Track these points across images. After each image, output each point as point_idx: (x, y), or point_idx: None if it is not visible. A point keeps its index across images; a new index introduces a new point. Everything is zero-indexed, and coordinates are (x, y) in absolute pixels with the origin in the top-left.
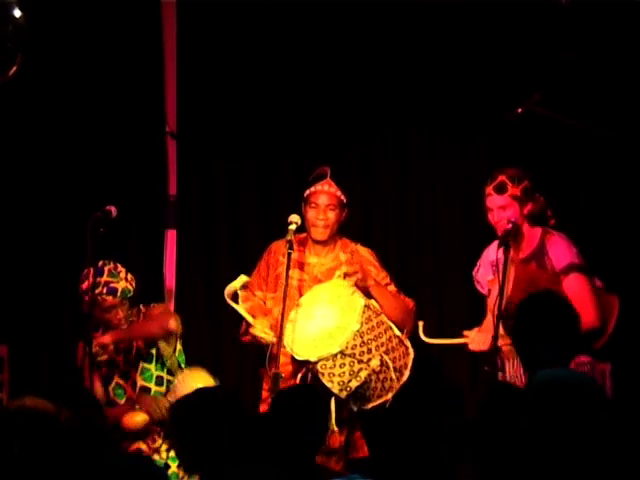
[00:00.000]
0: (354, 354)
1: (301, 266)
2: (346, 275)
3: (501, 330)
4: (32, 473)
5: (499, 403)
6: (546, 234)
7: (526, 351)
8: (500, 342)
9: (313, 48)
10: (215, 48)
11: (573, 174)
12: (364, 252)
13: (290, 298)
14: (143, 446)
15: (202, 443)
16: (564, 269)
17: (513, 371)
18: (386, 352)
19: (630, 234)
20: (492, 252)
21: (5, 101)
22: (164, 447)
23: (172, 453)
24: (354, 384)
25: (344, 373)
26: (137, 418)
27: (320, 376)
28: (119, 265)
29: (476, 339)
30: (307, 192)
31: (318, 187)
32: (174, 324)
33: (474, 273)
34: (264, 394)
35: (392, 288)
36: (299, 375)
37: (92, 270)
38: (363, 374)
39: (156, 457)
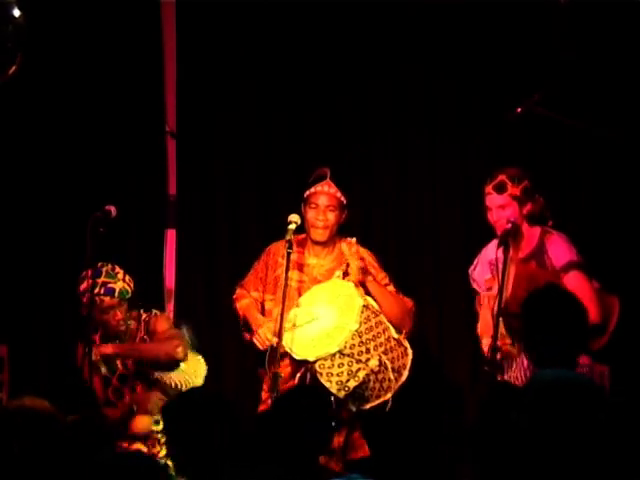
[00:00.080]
0: (352, 354)
1: (300, 267)
2: (347, 268)
3: (501, 329)
4: (32, 473)
5: (499, 403)
6: (545, 233)
7: (535, 346)
8: (500, 342)
9: (313, 48)
10: (215, 48)
11: (573, 174)
12: (363, 252)
13: (289, 299)
14: (143, 447)
15: (193, 443)
16: (564, 267)
17: (512, 371)
18: (385, 352)
19: (630, 234)
20: (490, 251)
21: (5, 101)
22: (163, 452)
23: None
24: (352, 384)
25: (342, 373)
26: (145, 421)
27: (318, 376)
28: (117, 266)
29: (482, 342)
30: (307, 193)
31: (318, 188)
32: (182, 354)
33: (470, 271)
34: (264, 395)
35: (391, 288)
36: (298, 375)
37: (90, 271)
38: (361, 374)
39: None
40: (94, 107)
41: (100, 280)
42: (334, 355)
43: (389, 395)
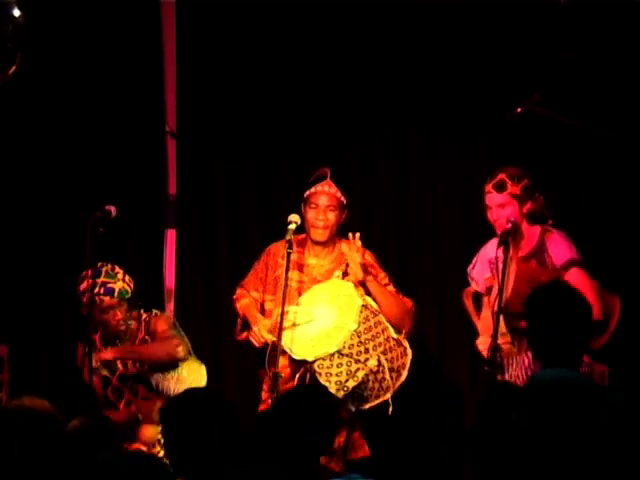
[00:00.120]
0: (351, 354)
1: (300, 267)
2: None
3: (502, 328)
4: (32, 473)
5: (499, 403)
6: (545, 232)
7: (540, 343)
8: (500, 340)
9: (313, 48)
10: (215, 48)
11: (573, 174)
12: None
13: (289, 299)
14: (143, 447)
15: (192, 443)
16: (564, 265)
17: (513, 371)
18: (384, 352)
19: (630, 234)
20: (490, 250)
21: (5, 101)
22: (162, 452)
23: None
24: (351, 384)
25: (341, 373)
26: (151, 431)
27: (317, 376)
28: (117, 267)
29: (481, 339)
30: (307, 193)
31: (318, 188)
32: (182, 353)
33: (469, 270)
34: (264, 395)
35: (391, 288)
36: (297, 375)
37: (90, 271)
38: (360, 374)
39: None
40: (94, 107)
41: (100, 280)
42: (333, 355)
43: (388, 395)
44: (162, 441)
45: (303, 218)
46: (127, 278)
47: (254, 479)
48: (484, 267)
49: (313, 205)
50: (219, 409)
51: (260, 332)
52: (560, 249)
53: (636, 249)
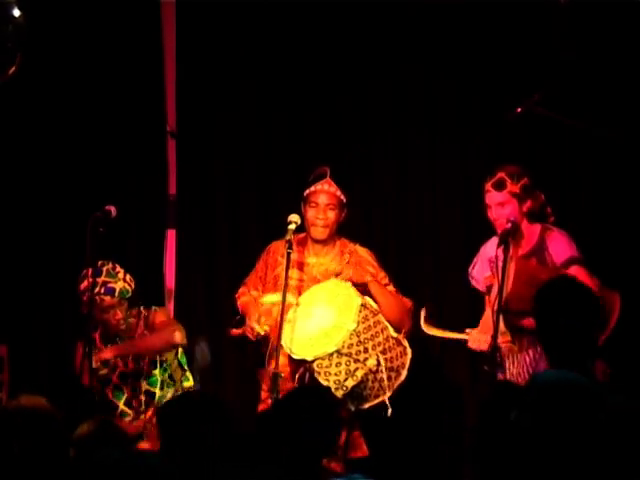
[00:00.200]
0: (350, 353)
1: (300, 266)
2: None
3: (501, 327)
4: (32, 473)
5: (500, 402)
6: (546, 230)
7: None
8: (500, 339)
9: (313, 48)
10: (214, 48)
11: (573, 174)
12: (363, 252)
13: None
14: (147, 446)
15: (189, 445)
16: (564, 263)
17: (514, 369)
18: (383, 352)
19: (630, 234)
20: (490, 249)
21: (5, 101)
22: None
23: None
24: (350, 383)
25: (340, 372)
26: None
27: (316, 375)
28: (117, 265)
29: (477, 338)
30: (307, 191)
31: (318, 186)
32: (179, 337)
33: (470, 269)
34: (263, 394)
35: (391, 288)
36: (297, 375)
37: (90, 270)
38: (359, 373)
39: None
40: (94, 107)
41: (100, 279)
42: (332, 355)
43: (388, 394)
44: None
45: (303, 217)
46: (128, 277)
47: (254, 479)
48: (484, 266)
49: (313, 204)
50: (215, 411)
51: (251, 324)
52: (560, 247)
53: (636, 248)
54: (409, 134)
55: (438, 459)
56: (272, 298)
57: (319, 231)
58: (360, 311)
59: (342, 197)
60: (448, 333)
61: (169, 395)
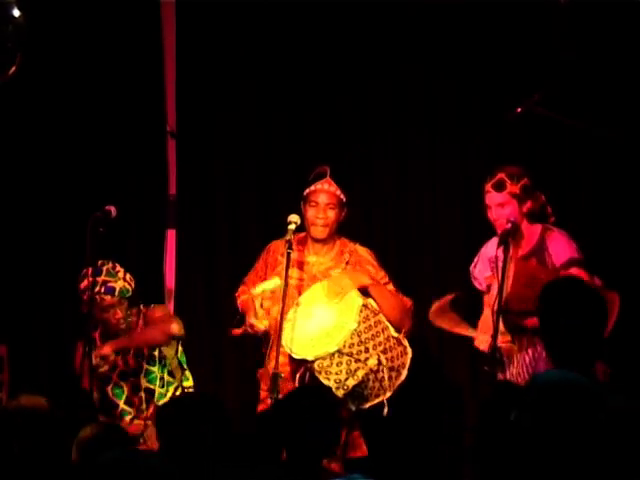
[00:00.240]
0: (351, 353)
1: (300, 265)
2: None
3: (501, 327)
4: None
5: (500, 402)
6: (546, 231)
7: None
8: (500, 339)
9: (313, 48)
10: (214, 48)
11: (573, 174)
12: (363, 252)
13: (289, 297)
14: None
15: (187, 445)
16: (564, 264)
17: (513, 369)
18: (384, 351)
19: (630, 234)
20: (491, 248)
21: (5, 101)
22: None
23: None
24: (351, 383)
25: (341, 372)
26: None
27: (317, 375)
28: (118, 265)
29: (479, 338)
30: (307, 191)
31: (318, 186)
32: (177, 328)
33: (471, 269)
34: (262, 394)
35: (391, 287)
36: (297, 375)
37: (90, 269)
38: (360, 373)
39: None
40: (94, 107)
41: (100, 279)
42: (333, 354)
43: (388, 394)
44: None
45: (303, 216)
46: (128, 277)
47: (254, 479)
48: (485, 266)
49: (313, 203)
50: (214, 411)
51: (250, 320)
52: (560, 248)
53: (636, 248)
54: (409, 134)
55: (438, 459)
56: (262, 286)
57: (319, 230)
58: (361, 311)
59: (342, 196)
60: (456, 328)
61: (169, 393)
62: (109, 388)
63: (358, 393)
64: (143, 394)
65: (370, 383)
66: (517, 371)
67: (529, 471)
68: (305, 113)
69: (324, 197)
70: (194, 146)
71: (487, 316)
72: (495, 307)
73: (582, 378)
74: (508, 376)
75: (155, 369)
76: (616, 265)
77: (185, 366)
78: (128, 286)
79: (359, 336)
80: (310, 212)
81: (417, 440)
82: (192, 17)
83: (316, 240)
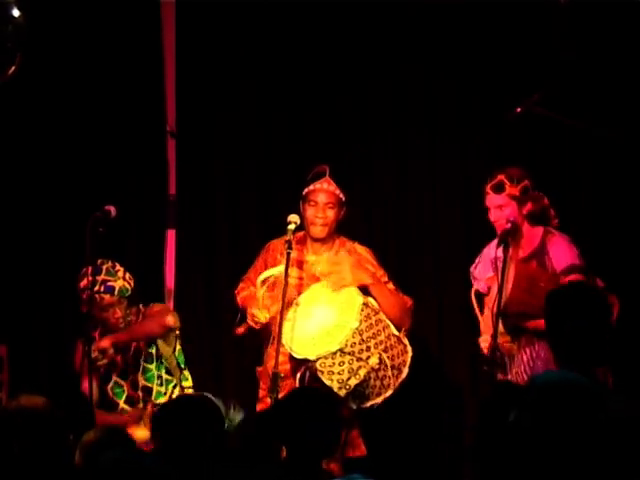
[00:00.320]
0: (353, 352)
1: (300, 264)
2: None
3: (501, 328)
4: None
5: (500, 402)
6: (547, 234)
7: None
8: (500, 340)
9: (313, 48)
10: (214, 48)
11: (573, 174)
12: (362, 250)
13: (288, 296)
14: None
15: (186, 445)
16: (564, 270)
17: (515, 367)
18: (385, 350)
19: (630, 234)
20: (492, 249)
21: (5, 101)
22: None
23: None
24: (353, 382)
25: (343, 371)
26: (139, 433)
27: (319, 374)
28: (117, 264)
29: (481, 337)
30: (306, 190)
31: (317, 185)
32: (172, 320)
33: (472, 269)
34: (261, 393)
35: (390, 286)
36: (298, 374)
37: (90, 268)
38: (362, 372)
39: None
40: (94, 107)
41: (100, 278)
42: (335, 353)
43: (390, 392)
44: None
45: (302, 216)
46: (127, 276)
47: (254, 479)
48: (487, 266)
49: (312, 202)
50: (212, 411)
51: (251, 311)
52: (561, 253)
53: (636, 249)
54: (409, 134)
55: (438, 458)
56: (269, 272)
57: (318, 230)
58: (362, 309)
59: (341, 196)
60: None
61: (168, 392)
62: (109, 387)
63: (360, 392)
64: (140, 393)
65: (372, 382)
66: (516, 371)
67: (529, 471)
68: (305, 113)
69: (323, 196)
70: (194, 146)
71: (487, 317)
72: (494, 308)
73: (582, 378)
74: (510, 377)
75: (152, 367)
76: (616, 265)
77: (183, 366)
78: (127, 285)
79: (360, 335)
80: (309, 211)
81: (417, 439)
82: (192, 17)
83: (315, 239)
